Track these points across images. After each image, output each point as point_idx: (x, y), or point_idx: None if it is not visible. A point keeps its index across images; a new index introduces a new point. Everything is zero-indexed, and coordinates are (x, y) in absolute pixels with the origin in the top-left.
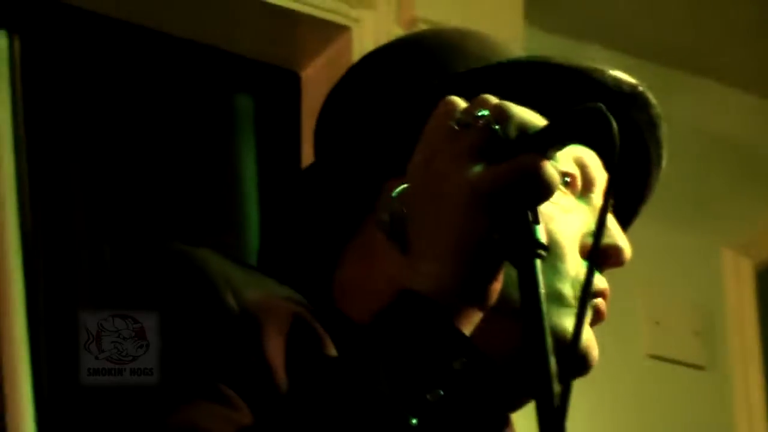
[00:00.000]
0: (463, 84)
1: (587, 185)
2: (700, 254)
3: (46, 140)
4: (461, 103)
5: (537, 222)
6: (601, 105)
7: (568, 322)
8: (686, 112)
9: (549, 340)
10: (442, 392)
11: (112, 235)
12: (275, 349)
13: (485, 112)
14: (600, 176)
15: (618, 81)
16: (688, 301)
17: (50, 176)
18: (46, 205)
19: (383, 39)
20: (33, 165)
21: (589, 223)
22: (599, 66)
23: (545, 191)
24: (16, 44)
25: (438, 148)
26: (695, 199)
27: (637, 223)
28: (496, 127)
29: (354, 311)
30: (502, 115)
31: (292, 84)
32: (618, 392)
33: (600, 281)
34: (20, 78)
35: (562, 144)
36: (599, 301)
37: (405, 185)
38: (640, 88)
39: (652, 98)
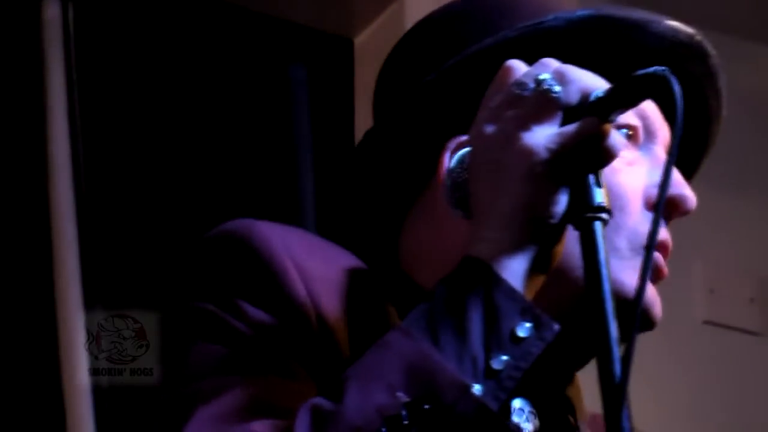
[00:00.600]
0: (519, 45)
1: (649, 137)
2: (755, 221)
3: (101, 108)
4: (522, 67)
5: (599, 185)
6: (665, 70)
7: (623, 275)
8: (744, 80)
9: (611, 303)
10: (505, 358)
11: (166, 203)
12: (338, 322)
13: (546, 76)
14: (662, 127)
15: (676, 31)
16: (742, 268)
17: (104, 144)
18: (101, 172)
19: (437, 4)
20: (87, 133)
21: (653, 175)
22: (656, 17)
23: (608, 156)
24: (70, 13)
25: (499, 113)
26: (750, 167)
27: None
28: (557, 89)
29: (420, 275)
30: (563, 79)
31: (346, 50)
32: (674, 358)
33: (662, 232)
34: (74, 46)
35: (624, 109)
36: (657, 255)
37: (466, 149)
38: (698, 38)
39: (710, 48)
